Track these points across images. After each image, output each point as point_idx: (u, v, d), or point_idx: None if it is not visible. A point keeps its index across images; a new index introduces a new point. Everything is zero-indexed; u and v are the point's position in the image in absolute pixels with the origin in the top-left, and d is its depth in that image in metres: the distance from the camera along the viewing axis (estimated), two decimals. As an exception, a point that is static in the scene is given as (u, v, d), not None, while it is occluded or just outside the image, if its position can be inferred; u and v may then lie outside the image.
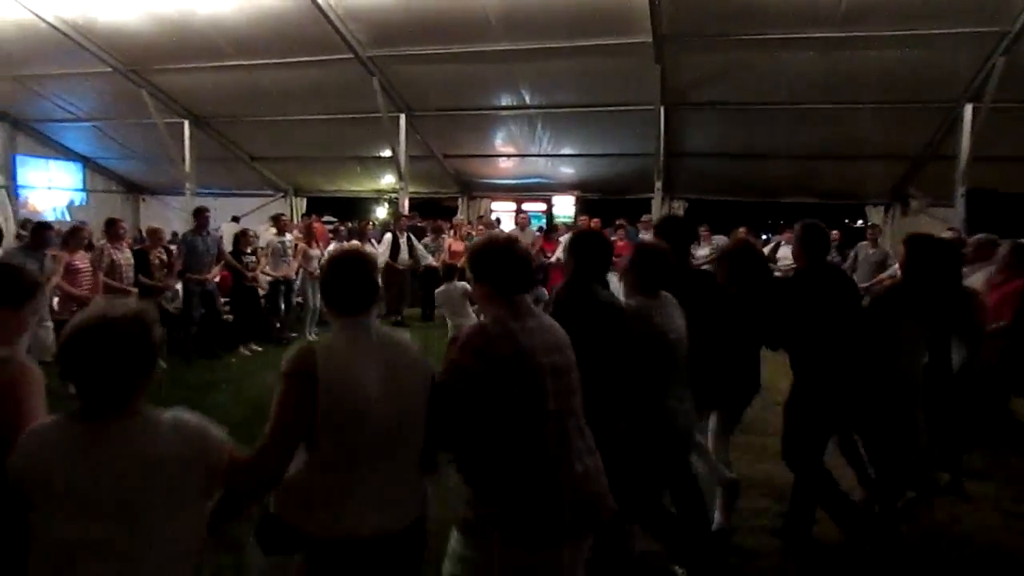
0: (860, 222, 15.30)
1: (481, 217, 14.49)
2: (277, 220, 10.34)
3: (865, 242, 9.00)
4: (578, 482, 2.13)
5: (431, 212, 15.90)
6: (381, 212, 17.73)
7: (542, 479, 2.08)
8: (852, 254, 9.15)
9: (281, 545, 1.96)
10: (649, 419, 2.98)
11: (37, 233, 7.06)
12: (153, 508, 1.66)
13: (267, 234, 10.66)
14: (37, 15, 10.75)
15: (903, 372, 3.52)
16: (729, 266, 3.87)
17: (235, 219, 14.48)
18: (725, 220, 13.84)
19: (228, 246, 9.65)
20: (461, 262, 10.61)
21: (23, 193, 15.55)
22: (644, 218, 11.91)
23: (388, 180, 15.41)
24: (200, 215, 8.93)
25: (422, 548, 2.15)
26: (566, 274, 3.11)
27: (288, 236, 9.90)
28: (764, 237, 12.39)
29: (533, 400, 2.09)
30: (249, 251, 9.36)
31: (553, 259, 11.17)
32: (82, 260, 7.39)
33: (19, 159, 15.44)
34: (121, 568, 1.64)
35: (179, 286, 8.73)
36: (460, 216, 15.12)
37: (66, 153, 16.36)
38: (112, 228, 7.91)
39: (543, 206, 15.49)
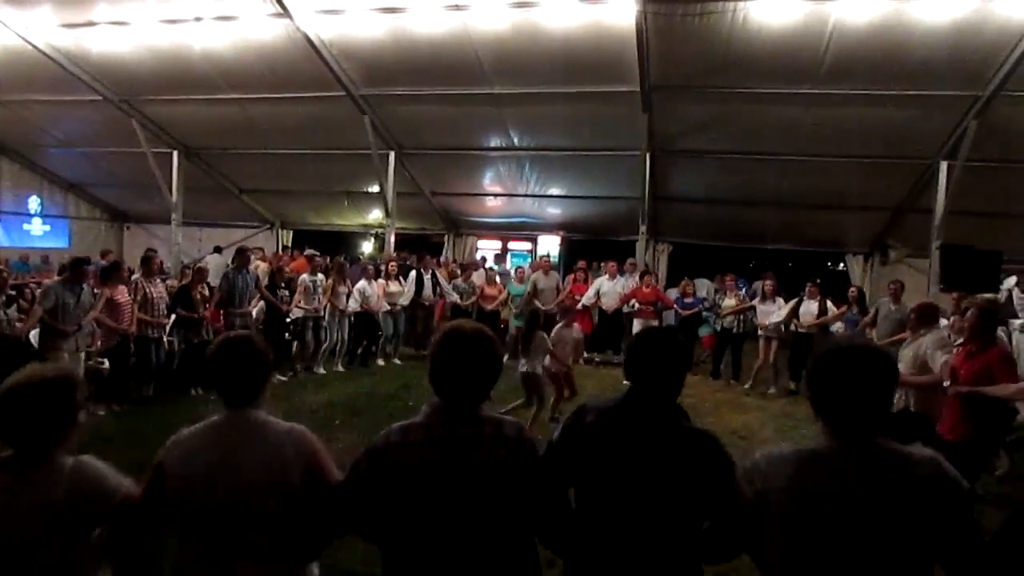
0: (842, 265, 15.52)
1: (455, 261, 14.54)
2: (312, 259, 11.02)
3: (887, 298, 9.04)
4: None
5: (417, 248, 15.97)
6: (367, 247, 17.74)
7: None
8: (874, 310, 9.19)
9: None
10: None
11: (75, 268, 7.27)
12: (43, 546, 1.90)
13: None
14: (28, 41, 10.77)
15: None
16: None
17: (218, 250, 14.45)
18: (709, 265, 14.02)
19: (213, 278, 9.69)
20: (494, 305, 11.49)
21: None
22: (630, 261, 12.05)
23: (375, 215, 15.47)
24: (242, 255, 9.53)
25: None
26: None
27: (320, 275, 10.24)
28: (742, 285, 12.41)
29: None
30: (283, 286, 9.83)
31: (581, 304, 11.17)
32: (122, 294, 7.74)
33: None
34: None
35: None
36: (446, 255, 15.22)
37: (52, 179, 16.27)
38: (147, 264, 8.41)
39: (528, 245, 15.64)
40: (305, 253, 13.75)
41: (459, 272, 12.45)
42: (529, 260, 14.63)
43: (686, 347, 2.24)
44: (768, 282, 10.30)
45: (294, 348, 10.05)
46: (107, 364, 7.62)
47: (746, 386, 9.66)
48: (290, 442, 2.11)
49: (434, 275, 11.47)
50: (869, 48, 8.61)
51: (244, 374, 2.14)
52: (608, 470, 2.11)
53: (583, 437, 2.17)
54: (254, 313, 9.65)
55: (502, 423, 2.11)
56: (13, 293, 7.15)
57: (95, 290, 7.59)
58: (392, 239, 13.46)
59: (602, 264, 12.65)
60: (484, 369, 2.09)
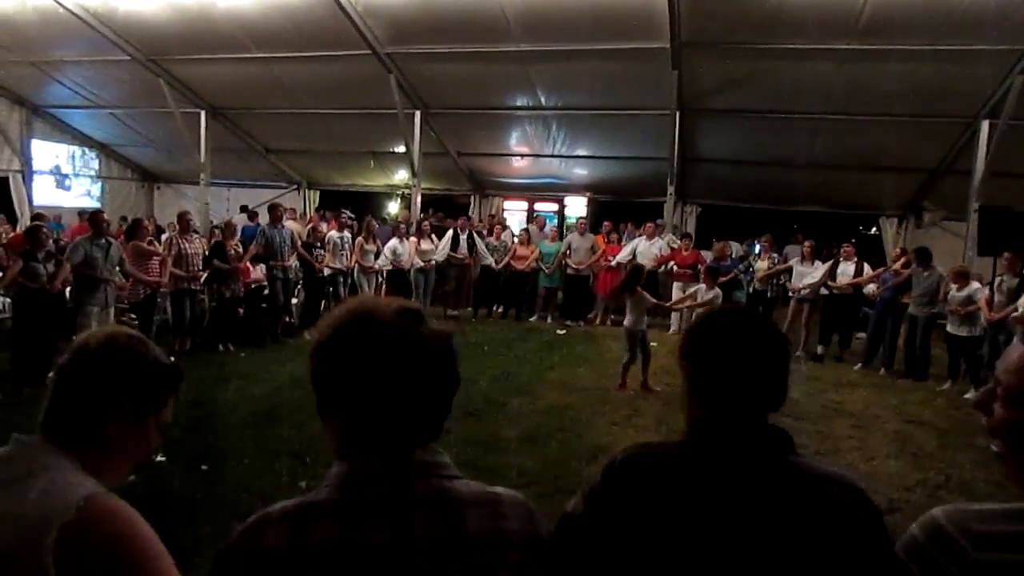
0: (874, 229, 15.20)
1: (493, 216, 14.56)
2: (338, 218, 11.48)
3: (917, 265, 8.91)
4: None
5: (443, 209, 15.95)
6: (393, 207, 17.76)
7: None
8: (908, 271, 9.06)
9: None
10: None
11: (96, 221, 7.41)
12: None
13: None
14: (58, 1, 10.80)
15: None
16: None
17: (244, 209, 14.60)
18: (738, 227, 13.84)
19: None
20: (525, 265, 11.65)
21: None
22: (658, 222, 11.92)
23: (401, 176, 15.43)
24: (274, 211, 9.94)
25: None
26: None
27: (346, 232, 10.57)
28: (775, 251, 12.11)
29: None
30: (319, 245, 10.14)
31: (614, 262, 11.44)
32: (151, 246, 8.25)
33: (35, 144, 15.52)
34: None
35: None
36: (473, 214, 15.16)
37: (82, 139, 16.45)
38: (182, 221, 8.78)
39: (555, 206, 15.52)
40: (337, 214, 13.85)
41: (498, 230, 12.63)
42: (555, 221, 14.61)
43: (783, 340, 1.34)
44: (807, 244, 10.18)
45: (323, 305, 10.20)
46: (136, 320, 7.81)
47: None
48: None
49: (471, 235, 11.63)
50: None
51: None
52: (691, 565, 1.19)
53: (637, 511, 1.23)
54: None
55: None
56: (53, 250, 7.27)
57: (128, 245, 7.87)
58: (418, 199, 13.45)
59: (626, 226, 12.65)
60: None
